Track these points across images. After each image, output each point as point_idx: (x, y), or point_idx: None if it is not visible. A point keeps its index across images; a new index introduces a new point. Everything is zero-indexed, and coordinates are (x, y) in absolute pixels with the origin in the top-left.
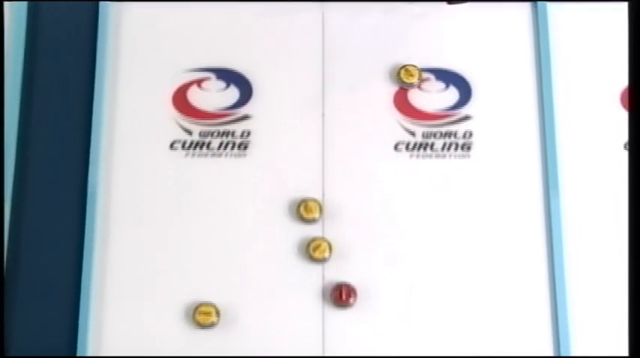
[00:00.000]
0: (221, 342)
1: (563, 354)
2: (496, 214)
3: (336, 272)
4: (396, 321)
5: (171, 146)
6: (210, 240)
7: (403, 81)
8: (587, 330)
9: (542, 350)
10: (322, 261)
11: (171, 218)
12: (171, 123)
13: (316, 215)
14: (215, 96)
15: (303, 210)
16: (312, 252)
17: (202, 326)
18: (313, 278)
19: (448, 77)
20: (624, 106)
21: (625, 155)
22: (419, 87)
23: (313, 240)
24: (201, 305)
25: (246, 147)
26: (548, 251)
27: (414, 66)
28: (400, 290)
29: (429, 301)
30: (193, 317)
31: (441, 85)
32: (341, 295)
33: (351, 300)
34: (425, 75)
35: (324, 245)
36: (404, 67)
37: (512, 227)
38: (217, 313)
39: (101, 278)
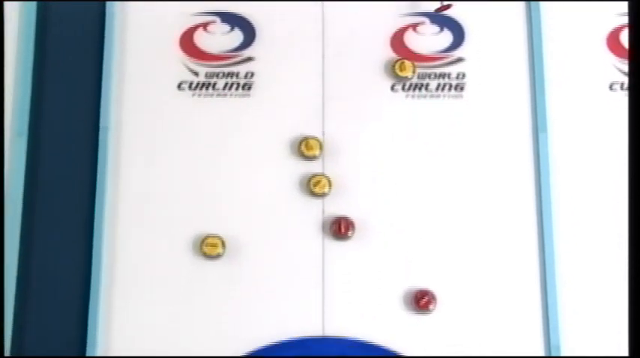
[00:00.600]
0: (226, 272)
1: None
2: (486, 150)
3: (336, 206)
4: (390, 252)
5: (179, 87)
6: (216, 176)
7: (398, 74)
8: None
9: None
10: (322, 195)
11: (179, 155)
12: (178, 65)
13: (316, 152)
14: (220, 39)
15: (304, 148)
16: (312, 187)
17: (209, 257)
18: (314, 212)
19: (442, 20)
20: (610, 49)
21: (609, 96)
22: (415, 29)
23: (314, 176)
24: (207, 237)
25: (250, 88)
26: (536, 184)
27: (409, 60)
28: (394, 223)
29: (422, 233)
30: (200, 248)
31: (436, 28)
32: (340, 228)
33: (350, 233)
34: (419, 19)
35: (324, 180)
36: (399, 60)
37: (501, 161)
38: (223, 244)
39: (113, 213)
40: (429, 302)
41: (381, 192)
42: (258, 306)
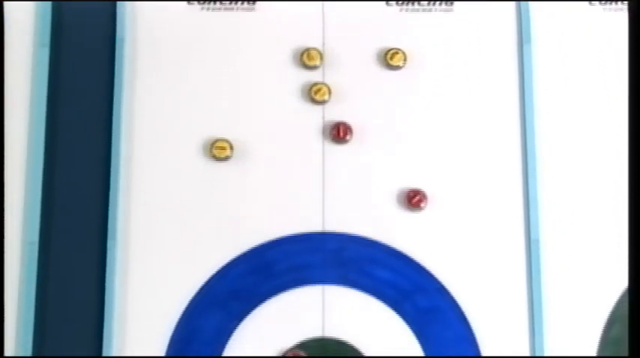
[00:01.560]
0: (234, 173)
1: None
2: (475, 59)
3: (335, 112)
4: (384, 155)
5: (188, 1)
6: (225, 84)
7: (389, 64)
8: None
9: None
10: (322, 102)
11: (190, 64)
12: None
13: (317, 62)
14: None
15: (305, 58)
16: (313, 94)
17: (218, 159)
18: (314, 118)
19: None
20: None
21: (589, 9)
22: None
23: (315, 84)
24: (217, 140)
25: (254, 1)
26: (520, 90)
27: (400, 49)
28: (389, 128)
29: (414, 138)
30: (210, 151)
31: None
32: (339, 132)
33: (348, 137)
34: None
35: (324, 89)
36: (390, 50)
37: (488, 69)
38: (231, 147)
39: (130, 119)
40: (420, 201)
41: (376, 100)
42: (264, 204)
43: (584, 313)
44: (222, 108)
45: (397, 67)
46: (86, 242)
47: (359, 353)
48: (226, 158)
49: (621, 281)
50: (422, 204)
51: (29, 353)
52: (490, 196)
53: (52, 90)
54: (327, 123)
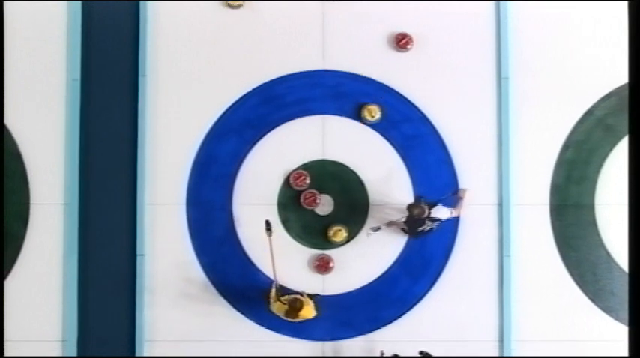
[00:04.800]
0: (247, 19)
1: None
2: None
3: None
4: (377, 3)
5: None
6: None
7: (366, 118)
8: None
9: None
10: None
11: None
12: None
13: None
14: None
15: None
16: None
17: (232, 7)
18: None
19: None
20: None
21: None
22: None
23: None
24: None
25: None
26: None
27: (376, 105)
28: None
29: None
30: None
31: None
32: None
33: None
34: None
35: None
36: (365, 105)
37: None
38: None
39: None
40: (407, 43)
41: None
42: (272, 46)
43: (544, 139)
44: None
45: None
46: (121, 78)
47: (354, 172)
48: (239, 6)
49: (575, 113)
50: (409, 46)
51: (77, 160)
52: (467, 39)
53: None
54: None
